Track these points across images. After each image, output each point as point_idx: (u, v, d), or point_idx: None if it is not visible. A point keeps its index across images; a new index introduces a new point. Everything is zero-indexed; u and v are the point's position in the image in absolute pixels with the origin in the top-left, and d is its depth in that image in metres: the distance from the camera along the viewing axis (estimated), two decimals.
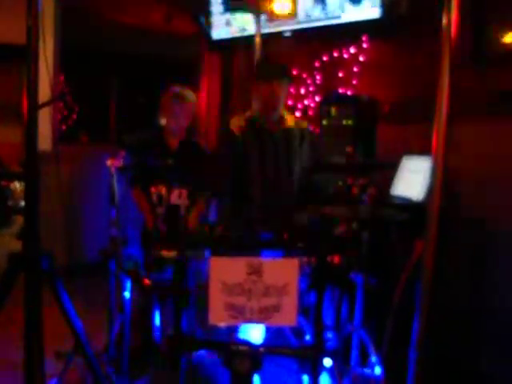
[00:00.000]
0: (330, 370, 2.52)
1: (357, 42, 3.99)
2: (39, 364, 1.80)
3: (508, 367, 2.81)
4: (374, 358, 2.36)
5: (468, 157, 3.00)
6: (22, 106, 1.74)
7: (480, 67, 3.13)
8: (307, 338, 2.43)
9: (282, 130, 2.74)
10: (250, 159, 2.67)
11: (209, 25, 4.81)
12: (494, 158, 3.01)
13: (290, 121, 2.81)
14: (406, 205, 2.86)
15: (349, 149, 2.96)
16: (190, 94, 3.11)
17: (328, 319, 2.49)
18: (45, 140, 4.11)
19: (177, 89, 3.11)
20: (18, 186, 3.31)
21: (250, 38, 3.82)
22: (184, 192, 3.04)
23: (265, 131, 2.72)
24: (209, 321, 1.76)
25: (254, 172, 2.67)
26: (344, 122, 3.61)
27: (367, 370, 2.39)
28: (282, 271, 1.73)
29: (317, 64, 4.29)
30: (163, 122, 3.08)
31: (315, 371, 1.78)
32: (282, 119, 2.77)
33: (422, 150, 2.88)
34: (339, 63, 4.14)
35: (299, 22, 4.13)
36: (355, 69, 4.01)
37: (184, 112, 3.06)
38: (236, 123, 2.75)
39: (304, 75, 4.37)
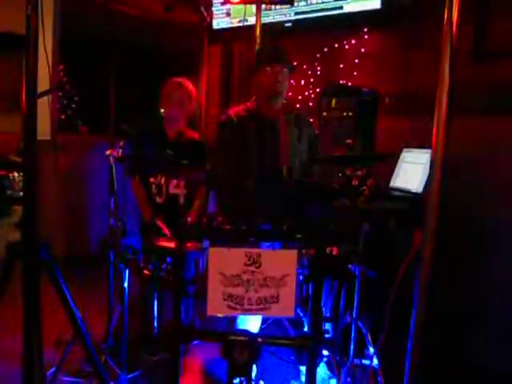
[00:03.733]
0: (328, 361, 2.54)
1: (358, 33, 3.97)
2: (38, 353, 1.80)
3: (506, 359, 2.83)
4: (371, 349, 2.38)
5: (468, 150, 3.00)
6: (21, 96, 1.74)
7: (481, 61, 3.12)
8: (305, 328, 2.45)
9: (281, 120, 2.74)
10: (248, 148, 2.67)
11: (209, 15, 4.79)
12: (494, 151, 3.01)
13: (289, 111, 2.81)
14: (405, 197, 2.87)
15: (349, 140, 2.96)
16: (190, 84, 3.13)
17: (326, 310, 2.50)
18: (44, 129, 4.10)
19: (178, 78, 3.12)
20: (16, 175, 3.31)
21: (251, 28, 3.80)
22: (182, 181, 3.05)
23: (264, 121, 2.71)
24: (207, 311, 1.76)
25: (252, 161, 2.67)
26: (344, 114, 3.61)
27: (365, 361, 2.41)
28: (281, 262, 1.73)
29: (317, 55, 4.28)
30: (164, 111, 3.09)
31: (313, 362, 1.79)
32: (282, 109, 2.76)
33: (422, 143, 2.88)
34: (340, 54, 4.12)
35: (300, 13, 4.12)
36: (356, 60, 3.99)
37: (187, 99, 3.08)
38: (235, 113, 2.75)
39: (304, 66, 4.35)
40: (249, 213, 2.52)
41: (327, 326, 2.54)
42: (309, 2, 4.05)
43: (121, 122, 2.76)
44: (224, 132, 2.74)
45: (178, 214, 2.79)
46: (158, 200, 3.06)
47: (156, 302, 2.59)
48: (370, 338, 2.41)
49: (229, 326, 2.29)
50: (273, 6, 4.22)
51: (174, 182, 3.05)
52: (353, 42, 4.02)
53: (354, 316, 2.41)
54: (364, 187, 2.48)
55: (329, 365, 2.56)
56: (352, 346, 2.42)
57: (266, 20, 4.05)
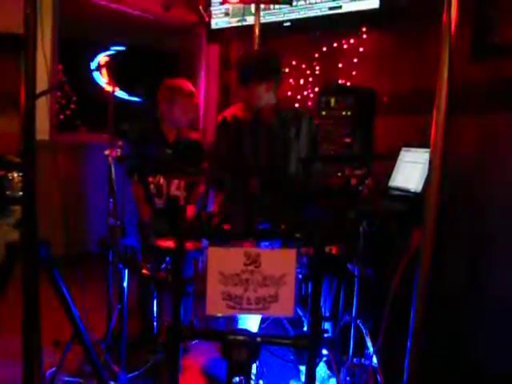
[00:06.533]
0: (327, 360, 2.54)
1: (356, 32, 3.97)
2: (37, 353, 1.80)
3: (505, 359, 2.83)
4: (370, 348, 2.38)
5: (468, 147, 3.00)
6: (19, 96, 1.74)
7: (480, 60, 3.12)
8: (304, 328, 2.45)
9: (277, 120, 2.74)
10: (245, 148, 2.68)
11: (208, 14, 4.79)
12: (494, 148, 3.01)
13: (288, 110, 2.80)
14: (404, 196, 2.87)
15: (347, 140, 2.97)
16: (190, 85, 3.12)
17: (325, 310, 2.51)
18: (42, 130, 4.10)
19: (176, 80, 3.10)
20: (15, 175, 3.31)
21: (249, 28, 3.80)
22: (182, 183, 3.04)
23: (259, 121, 2.71)
24: (206, 311, 1.76)
25: (249, 161, 2.67)
26: (343, 113, 3.61)
27: (364, 361, 2.41)
28: (280, 261, 1.73)
29: (316, 54, 4.28)
30: (165, 113, 3.07)
31: (312, 361, 1.79)
32: (277, 108, 2.75)
33: (421, 142, 2.88)
34: (339, 54, 4.12)
35: (299, 12, 4.12)
36: (355, 60, 4.00)
37: (187, 101, 3.07)
38: (231, 113, 2.76)
39: (303, 66, 4.35)
40: (248, 212, 2.52)
41: (326, 325, 2.55)
42: (307, 1, 4.05)
43: (121, 122, 2.76)
44: (220, 133, 2.76)
45: (178, 217, 2.79)
46: (158, 202, 3.05)
47: (155, 302, 2.59)
48: (369, 337, 2.41)
49: (228, 325, 2.29)
50: (271, 6, 4.22)
51: (175, 183, 3.05)
52: (351, 41, 4.03)
53: (354, 315, 2.41)
54: (363, 186, 2.48)
55: (328, 364, 2.57)
56: (351, 346, 2.42)
57: (264, 19, 4.06)
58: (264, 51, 2.71)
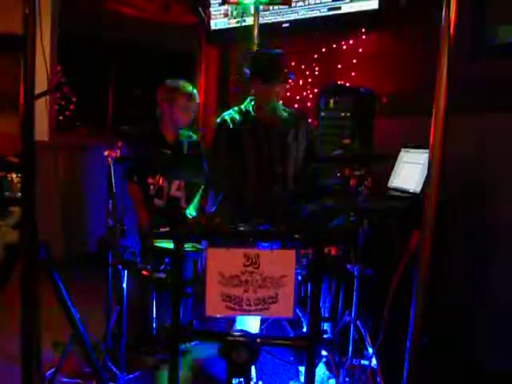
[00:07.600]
0: (327, 361, 2.53)
1: (356, 33, 3.97)
2: (36, 354, 1.80)
3: (506, 359, 2.83)
4: (370, 349, 2.38)
5: (468, 148, 3.00)
6: (18, 96, 1.73)
7: (479, 60, 3.12)
8: (304, 329, 2.45)
9: (276, 122, 2.74)
10: (244, 151, 2.68)
11: (207, 15, 4.79)
12: (493, 148, 3.01)
13: (285, 112, 2.81)
14: (404, 196, 2.87)
15: (347, 140, 2.96)
16: (190, 86, 3.11)
17: (325, 310, 2.50)
18: (42, 130, 4.09)
19: (185, 84, 3.08)
20: (14, 176, 3.31)
21: (248, 28, 3.81)
22: (182, 183, 3.04)
23: (259, 123, 2.71)
24: (206, 312, 1.76)
25: (248, 164, 2.67)
26: (342, 114, 3.61)
27: (364, 361, 2.41)
28: (279, 263, 1.73)
29: (315, 55, 4.28)
30: (166, 114, 3.06)
31: (312, 362, 1.79)
32: (277, 110, 2.75)
33: (420, 143, 2.89)
34: (338, 55, 4.12)
35: (298, 13, 4.12)
36: (354, 60, 4.00)
37: (194, 107, 3.08)
38: (230, 115, 2.75)
39: (302, 66, 4.35)
40: (247, 213, 2.51)
41: (326, 326, 2.54)
42: (307, 2, 4.05)
43: (120, 122, 2.76)
44: (219, 135, 2.75)
45: (179, 217, 2.78)
46: (158, 202, 3.04)
47: (155, 303, 2.59)
48: (368, 337, 2.41)
49: (228, 326, 2.29)
50: (271, 7, 4.22)
51: (176, 183, 3.04)
52: (351, 42, 4.03)
53: (353, 316, 2.41)
54: (362, 187, 2.48)
55: (328, 365, 2.56)
56: (351, 346, 2.41)
57: (263, 20, 4.06)
58: (279, 52, 2.74)
